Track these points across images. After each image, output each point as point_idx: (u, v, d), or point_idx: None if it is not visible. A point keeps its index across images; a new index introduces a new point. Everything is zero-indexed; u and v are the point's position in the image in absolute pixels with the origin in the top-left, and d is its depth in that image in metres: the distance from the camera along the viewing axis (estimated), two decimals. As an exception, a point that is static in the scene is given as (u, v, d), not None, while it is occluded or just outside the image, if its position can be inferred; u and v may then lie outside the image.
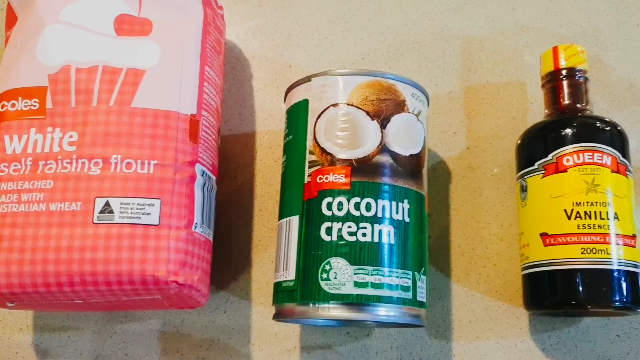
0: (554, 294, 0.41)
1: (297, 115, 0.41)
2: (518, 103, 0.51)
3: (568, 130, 0.42)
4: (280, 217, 0.41)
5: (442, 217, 0.48)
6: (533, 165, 0.43)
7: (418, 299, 0.38)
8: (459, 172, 0.49)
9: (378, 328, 0.45)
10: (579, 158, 0.41)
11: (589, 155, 0.41)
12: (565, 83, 0.45)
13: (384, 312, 0.37)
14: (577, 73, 0.45)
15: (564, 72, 0.45)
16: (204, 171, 0.42)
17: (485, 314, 0.46)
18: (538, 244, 0.41)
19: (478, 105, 0.51)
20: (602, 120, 0.43)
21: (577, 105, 0.45)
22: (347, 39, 0.53)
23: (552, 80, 0.46)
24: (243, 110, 0.51)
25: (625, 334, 0.45)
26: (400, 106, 0.40)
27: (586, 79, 0.45)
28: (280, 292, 0.39)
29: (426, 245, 0.41)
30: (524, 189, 0.44)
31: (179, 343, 0.46)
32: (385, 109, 0.40)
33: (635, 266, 0.40)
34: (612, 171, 0.41)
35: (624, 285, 0.39)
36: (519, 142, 0.45)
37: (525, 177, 0.44)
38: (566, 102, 0.45)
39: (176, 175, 0.39)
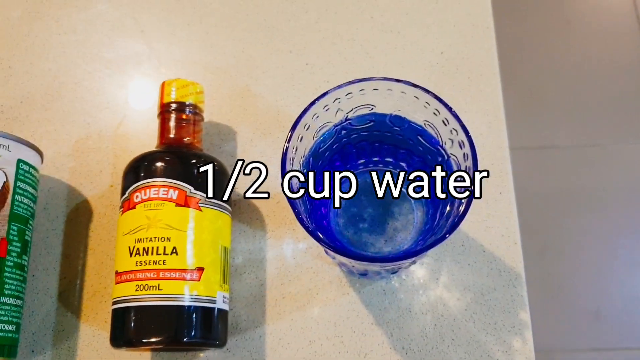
0: (120, 333, 0.41)
1: None
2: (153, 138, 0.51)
3: (141, 166, 0.43)
4: None
5: (78, 258, 0.48)
6: (119, 202, 0.43)
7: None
8: (101, 210, 0.49)
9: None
10: (145, 194, 0.41)
11: (154, 191, 0.41)
12: (167, 116, 0.45)
13: None
14: (186, 107, 0.45)
15: (171, 105, 0.45)
16: None
17: (109, 352, 0.46)
18: (114, 282, 0.41)
19: (126, 142, 0.51)
20: (180, 154, 0.44)
21: (184, 139, 0.45)
22: (8, 82, 0.54)
23: (159, 114, 0.46)
24: None
25: (244, 365, 0.45)
26: (-39, 155, 0.41)
27: (195, 113, 0.46)
28: None
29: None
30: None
31: None
32: (-60, 159, 0.40)
33: (204, 300, 0.40)
34: (178, 205, 0.41)
35: (181, 321, 0.39)
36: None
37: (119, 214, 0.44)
38: (170, 135, 0.45)
39: None
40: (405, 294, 0.46)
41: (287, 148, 0.34)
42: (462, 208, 0.33)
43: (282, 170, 0.34)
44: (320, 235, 0.33)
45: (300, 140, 0.37)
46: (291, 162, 0.36)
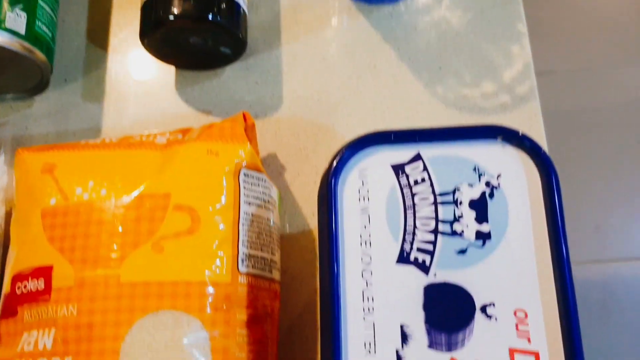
0: (149, 21, 0.44)
1: None
2: None
3: None
4: None
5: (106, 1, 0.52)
6: None
7: (7, 26, 0.42)
8: None
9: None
10: None
11: None
12: None
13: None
14: None
15: None
16: None
17: (135, 79, 0.49)
18: (141, -17, 0.45)
19: None
20: None
21: None
22: None
23: None
24: None
25: (262, 81, 0.48)
26: None
27: None
28: None
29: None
30: None
31: None
32: None
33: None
34: None
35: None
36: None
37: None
38: None
39: None
40: (410, 15, 0.50)
41: None
42: None
43: None
44: None
45: None
46: None
